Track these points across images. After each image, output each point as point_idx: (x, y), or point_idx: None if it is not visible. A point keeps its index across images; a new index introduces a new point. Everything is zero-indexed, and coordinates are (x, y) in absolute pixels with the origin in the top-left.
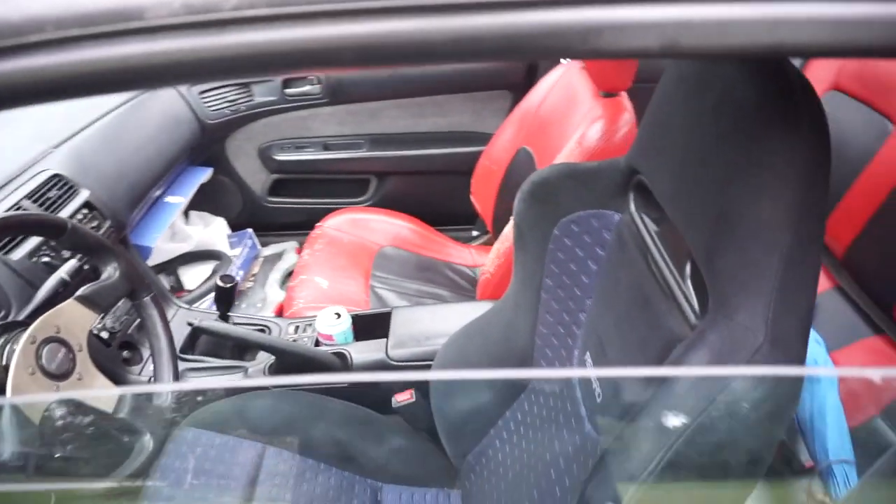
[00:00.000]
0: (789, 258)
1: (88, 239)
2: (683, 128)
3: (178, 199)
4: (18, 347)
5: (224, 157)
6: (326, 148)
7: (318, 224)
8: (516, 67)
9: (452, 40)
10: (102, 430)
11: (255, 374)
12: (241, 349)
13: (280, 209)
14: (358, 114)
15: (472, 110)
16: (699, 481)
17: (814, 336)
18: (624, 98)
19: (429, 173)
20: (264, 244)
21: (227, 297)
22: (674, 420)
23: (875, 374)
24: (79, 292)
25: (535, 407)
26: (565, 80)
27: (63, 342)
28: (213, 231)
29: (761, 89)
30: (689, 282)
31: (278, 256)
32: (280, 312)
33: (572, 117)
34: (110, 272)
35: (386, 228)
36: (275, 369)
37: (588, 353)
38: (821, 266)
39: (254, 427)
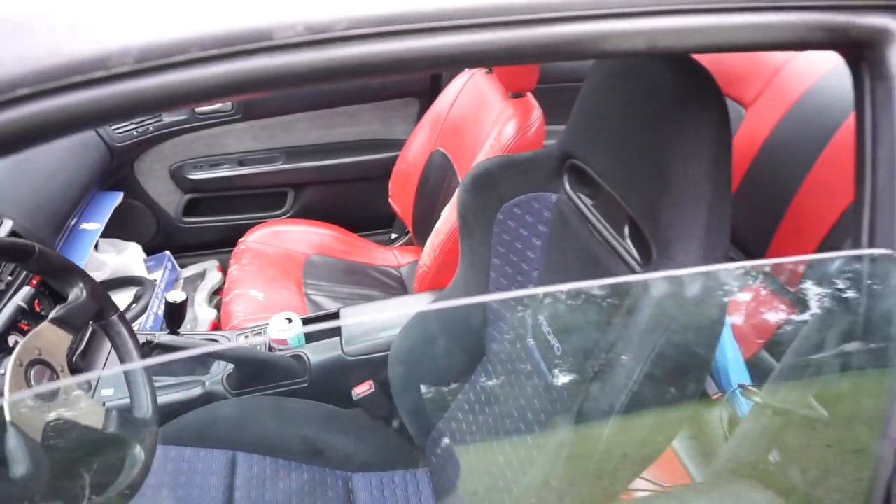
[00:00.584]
0: (711, 206)
1: (55, 261)
2: (618, 113)
3: (94, 226)
4: (8, 372)
5: (134, 179)
6: (241, 164)
7: (240, 240)
8: (421, 76)
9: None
10: (95, 446)
11: (213, 385)
12: (192, 365)
13: (196, 229)
14: (271, 128)
15: (382, 118)
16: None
17: None
18: (531, 98)
19: (344, 181)
20: (183, 265)
21: (177, 314)
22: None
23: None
24: (52, 315)
25: (493, 375)
26: (471, 86)
27: (47, 364)
28: (127, 257)
29: (678, 79)
30: (628, 240)
31: (200, 276)
32: (215, 329)
33: (485, 118)
34: (77, 293)
35: (309, 238)
36: (234, 378)
37: (545, 321)
38: (731, 212)
39: (221, 436)
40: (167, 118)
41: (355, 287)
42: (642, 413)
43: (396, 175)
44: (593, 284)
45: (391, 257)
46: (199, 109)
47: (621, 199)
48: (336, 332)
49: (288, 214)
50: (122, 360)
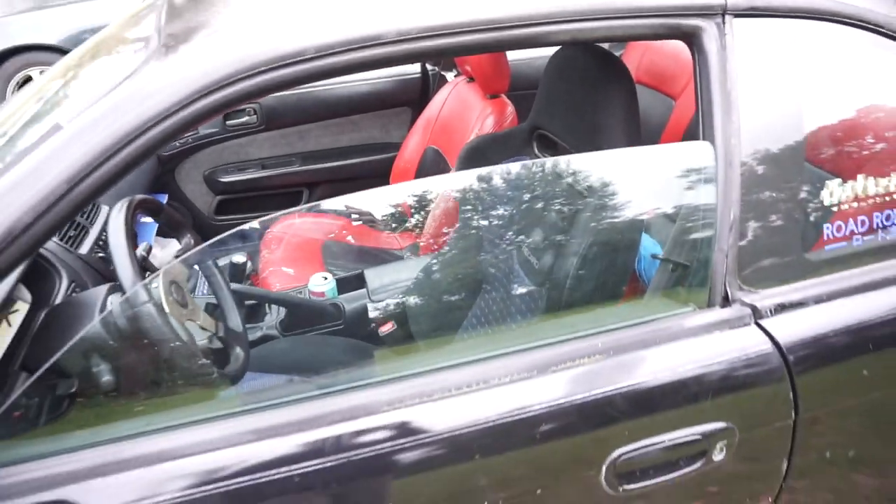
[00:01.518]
0: (628, 143)
1: (176, 217)
2: (566, 93)
3: (150, 220)
4: (161, 287)
5: (174, 183)
6: (264, 167)
7: (267, 230)
8: (414, 88)
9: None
10: (211, 343)
11: (269, 329)
12: (252, 314)
13: (225, 226)
14: (288, 136)
15: (380, 125)
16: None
17: None
18: (504, 97)
19: (351, 179)
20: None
21: (240, 272)
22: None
23: None
24: (179, 257)
25: (490, 300)
26: (456, 93)
27: (179, 285)
28: (168, 252)
29: (601, 66)
30: None
31: None
32: None
33: (469, 117)
34: (187, 242)
35: (323, 227)
36: (286, 322)
37: (526, 250)
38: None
39: (278, 364)
40: (203, 130)
41: (366, 264)
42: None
43: (396, 171)
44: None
45: (394, 241)
46: (228, 122)
47: (572, 150)
48: (363, 284)
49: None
50: (217, 295)
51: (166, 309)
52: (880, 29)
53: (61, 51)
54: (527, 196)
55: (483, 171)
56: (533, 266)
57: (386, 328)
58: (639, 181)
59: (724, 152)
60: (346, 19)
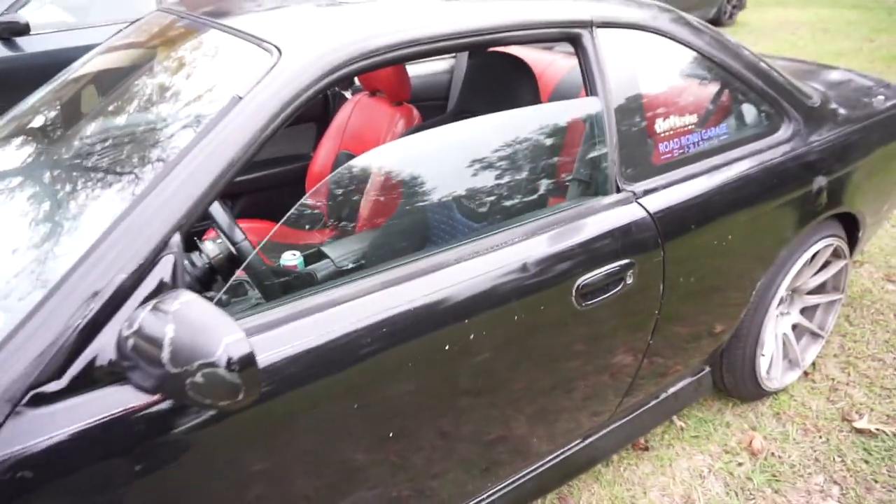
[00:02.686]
0: None
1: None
2: (487, 84)
3: None
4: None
5: None
6: None
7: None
8: (318, 105)
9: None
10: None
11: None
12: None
13: None
14: None
15: (289, 139)
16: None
17: None
18: (407, 104)
19: (268, 188)
20: None
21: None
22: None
23: None
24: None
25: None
26: (360, 105)
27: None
28: None
29: (509, 66)
30: None
31: None
32: None
33: (380, 122)
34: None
35: (253, 231)
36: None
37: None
38: None
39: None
40: None
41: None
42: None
43: (311, 176)
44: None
45: (318, 237)
46: None
47: None
48: (326, 257)
49: None
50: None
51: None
52: (668, 34)
53: None
54: (480, 147)
55: (418, 135)
56: (475, 210)
57: None
58: (555, 126)
59: (604, 104)
60: (433, 20)
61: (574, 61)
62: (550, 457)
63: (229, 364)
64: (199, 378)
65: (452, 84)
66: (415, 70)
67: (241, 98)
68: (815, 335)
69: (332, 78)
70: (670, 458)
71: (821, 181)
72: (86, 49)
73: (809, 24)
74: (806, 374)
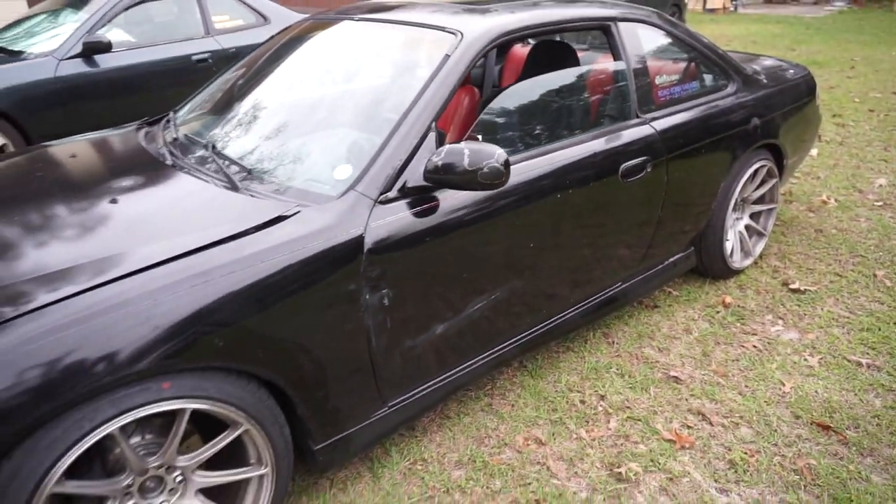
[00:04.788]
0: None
1: None
2: (547, 61)
3: None
4: None
5: None
6: None
7: None
8: None
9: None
10: None
11: None
12: None
13: None
14: None
15: None
16: None
17: None
18: (469, 86)
19: None
20: None
21: None
22: None
23: None
24: None
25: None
26: None
27: None
28: None
29: (560, 49)
30: None
31: None
32: None
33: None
34: None
35: None
36: None
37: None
38: None
39: None
40: None
41: None
42: None
43: None
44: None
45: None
46: None
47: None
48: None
49: None
50: None
51: None
52: (659, 26)
53: None
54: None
55: (531, 81)
56: (567, 124)
57: None
58: (601, 78)
59: (626, 66)
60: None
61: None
62: (602, 292)
63: (502, 162)
64: (485, 170)
65: (486, 73)
66: None
67: (448, 56)
68: (760, 235)
69: (490, 47)
70: (672, 311)
71: (755, 121)
72: (146, 65)
73: (741, 38)
74: (755, 263)
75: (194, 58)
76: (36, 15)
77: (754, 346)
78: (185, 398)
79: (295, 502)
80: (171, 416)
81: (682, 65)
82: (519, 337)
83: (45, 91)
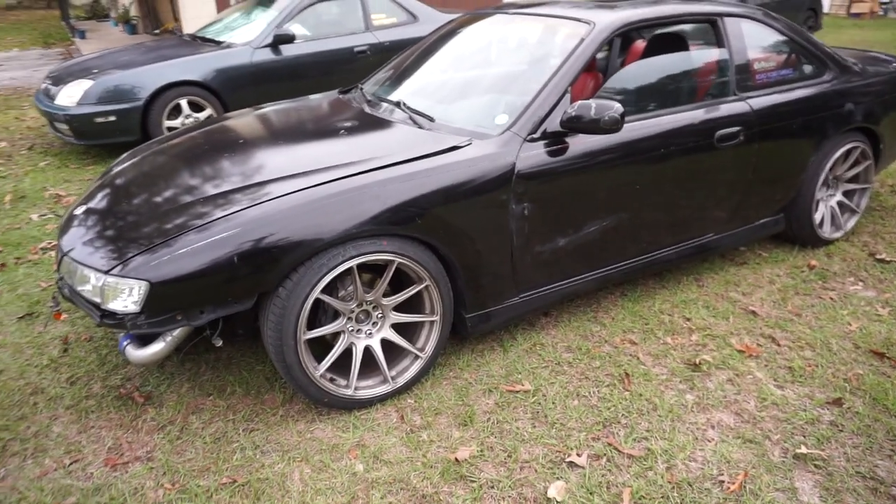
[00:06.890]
0: None
1: None
2: (665, 48)
3: None
4: None
5: None
6: None
7: None
8: None
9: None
10: None
11: None
12: None
13: None
14: None
15: None
16: None
17: None
18: (594, 72)
19: None
20: None
21: None
22: None
23: None
24: None
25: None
26: None
27: None
28: None
29: (672, 38)
30: None
31: None
32: None
33: (581, 82)
34: None
35: None
36: None
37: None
38: None
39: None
40: None
41: None
42: None
43: None
44: None
45: None
46: None
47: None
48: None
49: None
50: None
51: None
52: (761, 21)
53: (201, 85)
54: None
55: (653, 59)
56: (680, 97)
57: None
58: (708, 62)
59: (728, 54)
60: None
61: None
62: (695, 238)
63: (620, 113)
64: (606, 117)
65: (610, 62)
66: None
67: (583, 39)
68: (853, 212)
69: (615, 34)
70: (759, 268)
71: (850, 106)
72: (318, 54)
73: (884, 43)
74: (847, 238)
75: (355, 49)
76: (231, 13)
77: (831, 298)
78: (394, 254)
79: (447, 360)
80: (379, 271)
81: (781, 54)
82: (623, 263)
83: (243, 73)
